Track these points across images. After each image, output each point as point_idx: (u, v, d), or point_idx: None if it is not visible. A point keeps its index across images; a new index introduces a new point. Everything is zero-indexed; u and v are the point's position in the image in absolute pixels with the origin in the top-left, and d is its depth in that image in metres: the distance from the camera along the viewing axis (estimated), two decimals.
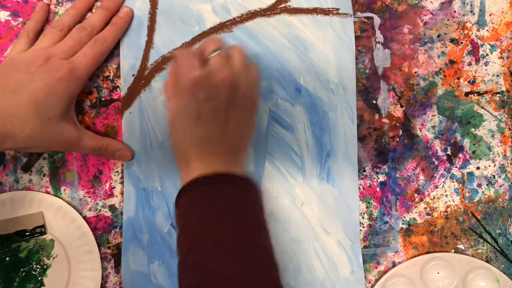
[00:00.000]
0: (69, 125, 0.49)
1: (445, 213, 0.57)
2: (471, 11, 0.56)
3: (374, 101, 0.56)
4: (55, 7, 0.53)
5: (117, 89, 0.54)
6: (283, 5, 0.55)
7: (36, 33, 0.51)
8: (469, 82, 0.57)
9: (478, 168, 0.57)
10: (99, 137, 0.52)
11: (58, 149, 0.53)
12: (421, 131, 0.57)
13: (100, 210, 0.55)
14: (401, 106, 0.57)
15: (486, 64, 0.57)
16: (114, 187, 0.55)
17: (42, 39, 0.50)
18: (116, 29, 0.52)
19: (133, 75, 0.54)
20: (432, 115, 0.57)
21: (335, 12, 0.55)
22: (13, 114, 0.45)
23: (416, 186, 0.57)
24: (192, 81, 0.46)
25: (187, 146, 0.47)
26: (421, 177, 0.57)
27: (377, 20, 0.56)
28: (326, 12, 0.55)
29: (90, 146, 0.51)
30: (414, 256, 0.57)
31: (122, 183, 0.55)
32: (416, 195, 0.57)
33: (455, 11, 0.56)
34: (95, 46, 0.50)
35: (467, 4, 0.56)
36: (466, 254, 0.57)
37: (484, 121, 0.57)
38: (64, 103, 0.48)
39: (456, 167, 0.57)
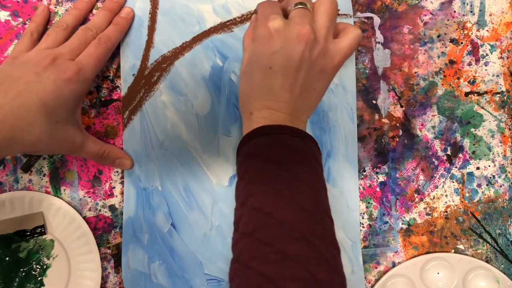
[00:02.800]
0: (75, 128, 0.49)
1: (445, 213, 0.57)
2: (471, 11, 0.57)
3: (374, 101, 0.56)
4: (55, 7, 0.53)
5: (117, 89, 0.54)
6: None
7: (39, 34, 0.51)
8: (469, 82, 0.57)
9: (478, 168, 0.57)
10: (102, 143, 0.52)
11: (62, 153, 0.53)
12: (421, 131, 0.57)
13: (100, 210, 0.55)
14: (401, 106, 0.57)
15: (486, 64, 0.57)
16: (114, 187, 0.55)
17: (46, 39, 0.49)
18: (118, 29, 0.52)
19: (133, 75, 0.54)
20: (432, 115, 0.57)
21: None
22: (21, 116, 0.43)
23: (416, 186, 0.57)
24: (269, 30, 0.45)
25: (253, 96, 0.47)
26: (421, 177, 0.57)
27: (377, 20, 0.56)
28: None
29: (93, 151, 0.51)
30: (414, 256, 0.57)
31: (122, 183, 0.55)
32: (416, 195, 0.57)
33: (455, 11, 0.57)
34: (99, 45, 0.50)
35: (467, 4, 0.56)
36: (466, 254, 0.57)
37: (484, 121, 0.57)
38: (71, 105, 0.47)
39: (456, 167, 0.57)
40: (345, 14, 0.55)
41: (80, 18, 0.52)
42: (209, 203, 0.54)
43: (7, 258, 0.53)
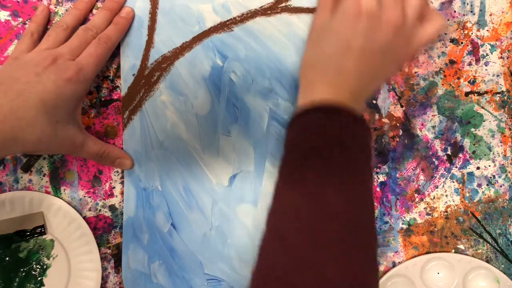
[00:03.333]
0: (75, 128, 0.49)
1: (445, 213, 0.57)
2: (471, 11, 0.56)
3: (374, 101, 0.56)
4: (55, 7, 0.53)
5: (117, 89, 0.54)
6: (283, 4, 0.55)
7: (39, 34, 0.51)
8: (469, 82, 0.57)
9: (478, 168, 0.57)
10: (102, 143, 0.52)
11: (62, 153, 0.53)
12: (421, 131, 0.57)
13: (100, 210, 0.55)
14: (401, 106, 0.57)
15: (486, 64, 0.57)
16: (114, 187, 0.55)
17: (47, 39, 0.49)
18: (118, 29, 0.52)
19: (133, 75, 0.54)
20: (432, 115, 0.57)
21: None
22: (21, 116, 0.43)
23: (416, 186, 0.57)
24: (360, 8, 0.43)
25: (320, 68, 0.45)
26: (421, 177, 0.57)
27: None
28: None
29: (93, 151, 0.51)
30: (414, 256, 0.57)
31: (122, 183, 0.55)
32: (416, 195, 0.57)
33: (455, 11, 0.56)
34: (99, 45, 0.49)
35: (467, 4, 0.56)
36: (466, 254, 0.57)
37: (484, 121, 0.57)
38: (72, 105, 0.47)
39: (456, 167, 0.57)
40: None
41: (80, 18, 0.52)
42: (209, 203, 0.54)
43: (7, 258, 0.53)
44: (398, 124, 0.57)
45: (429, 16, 0.46)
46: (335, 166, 0.40)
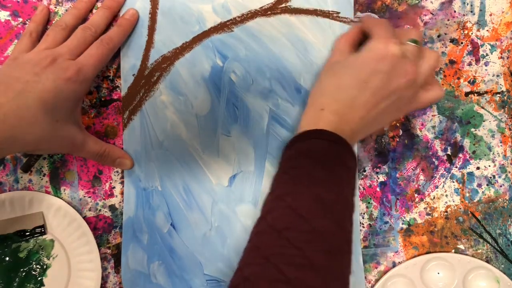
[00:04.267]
0: (75, 128, 0.49)
1: (445, 213, 0.57)
2: (471, 11, 0.56)
3: None
4: (55, 7, 0.53)
5: (117, 89, 0.54)
6: (283, 5, 0.55)
7: (38, 34, 0.51)
8: (469, 82, 0.57)
9: (478, 168, 0.57)
10: (102, 143, 0.52)
11: (62, 152, 0.53)
12: (421, 131, 0.57)
13: (100, 210, 0.55)
14: None
15: (486, 64, 0.57)
16: (114, 187, 0.55)
17: (46, 39, 0.49)
18: (121, 31, 0.52)
19: (133, 75, 0.54)
20: (432, 115, 0.57)
21: (335, 15, 0.55)
22: (21, 116, 0.43)
23: (416, 186, 0.57)
24: (387, 51, 0.47)
25: (332, 95, 0.48)
26: (421, 177, 0.57)
27: None
28: (326, 14, 0.55)
29: (93, 150, 0.51)
30: (414, 256, 0.57)
31: (122, 183, 0.55)
32: (416, 195, 0.57)
33: (455, 11, 0.56)
34: (101, 46, 0.49)
35: (467, 4, 0.56)
36: (466, 254, 0.57)
37: (484, 121, 0.57)
38: (71, 105, 0.48)
39: (456, 167, 0.57)
40: (345, 18, 0.55)
41: (80, 18, 0.52)
42: (208, 203, 0.54)
43: (7, 258, 0.53)
44: (398, 124, 0.57)
45: (432, 85, 0.50)
46: (323, 192, 0.43)
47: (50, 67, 0.46)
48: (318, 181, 0.43)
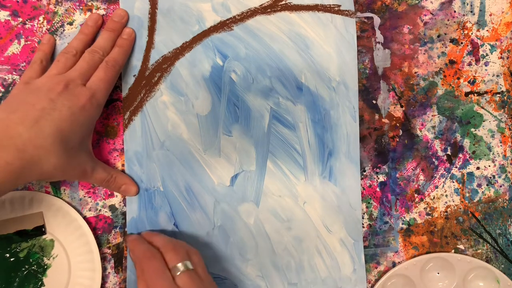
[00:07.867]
0: (86, 155, 0.49)
1: (445, 213, 0.57)
2: (471, 11, 0.57)
3: (374, 101, 0.57)
4: (55, 7, 0.53)
5: (117, 89, 0.54)
6: (283, 2, 0.55)
7: (48, 62, 0.51)
8: (469, 82, 0.57)
9: (478, 168, 0.57)
10: (110, 168, 0.52)
11: (73, 180, 0.53)
12: (421, 131, 0.57)
13: (100, 210, 0.54)
14: (401, 106, 0.57)
15: (486, 64, 0.57)
16: None
17: (57, 65, 0.49)
18: (123, 52, 0.52)
19: (134, 76, 0.54)
20: (432, 115, 0.57)
21: (336, 9, 0.55)
22: (40, 145, 0.43)
23: (416, 186, 0.57)
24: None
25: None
26: (421, 177, 0.57)
27: (377, 20, 0.56)
28: (327, 9, 0.55)
29: (101, 177, 0.51)
30: (414, 256, 0.57)
31: None
32: (416, 195, 0.57)
33: (455, 11, 0.57)
34: (108, 69, 0.50)
35: (467, 4, 0.57)
36: (466, 254, 0.57)
37: (484, 121, 0.57)
38: (85, 132, 0.48)
39: (456, 167, 0.57)
40: (346, 11, 0.55)
41: (88, 43, 0.52)
42: (211, 203, 0.54)
43: (7, 258, 0.53)
44: (398, 124, 0.57)
45: None
46: None
47: (64, 93, 0.46)
48: None
